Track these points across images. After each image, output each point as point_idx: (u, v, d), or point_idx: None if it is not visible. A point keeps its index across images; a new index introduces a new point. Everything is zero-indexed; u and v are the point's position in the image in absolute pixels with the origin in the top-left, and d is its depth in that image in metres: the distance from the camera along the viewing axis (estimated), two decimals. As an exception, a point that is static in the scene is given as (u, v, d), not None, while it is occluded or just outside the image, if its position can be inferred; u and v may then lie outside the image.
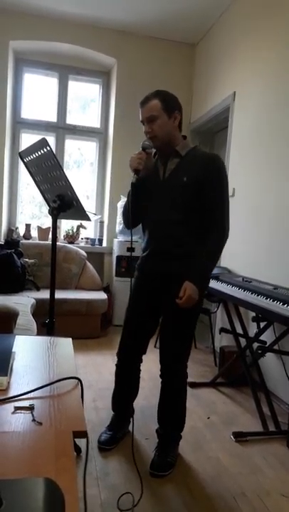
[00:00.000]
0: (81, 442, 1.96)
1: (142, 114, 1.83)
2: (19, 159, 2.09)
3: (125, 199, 2.02)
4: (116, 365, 2.10)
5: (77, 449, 1.97)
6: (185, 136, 1.92)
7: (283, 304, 2.04)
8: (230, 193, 3.58)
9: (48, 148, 1.76)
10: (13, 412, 0.95)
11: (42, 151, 1.81)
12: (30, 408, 0.98)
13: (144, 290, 1.97)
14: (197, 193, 1.79)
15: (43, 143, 1.77)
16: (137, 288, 2.00)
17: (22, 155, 1.98)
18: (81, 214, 1.89)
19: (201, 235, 1.83)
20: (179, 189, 1.81)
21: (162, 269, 1.87)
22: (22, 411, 0.96)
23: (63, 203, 1.85)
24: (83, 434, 0.91)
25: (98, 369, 3.05)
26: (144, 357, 2.11)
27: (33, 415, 0.95)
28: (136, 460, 1.92)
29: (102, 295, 3.97)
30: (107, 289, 4.34)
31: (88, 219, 1.93)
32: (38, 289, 3.84)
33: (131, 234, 1.90)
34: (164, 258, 1.87)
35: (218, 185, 1.82)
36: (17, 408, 0.97)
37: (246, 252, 3.18)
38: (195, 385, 2.85)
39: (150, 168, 1.91)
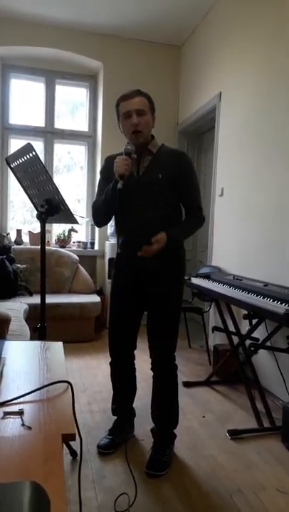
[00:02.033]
0: (78, 446, 1.96)
1: (130, 106, 1.83)
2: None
3: None
4: (110, 363, 2.12)
5: (73, 453, 1.98)
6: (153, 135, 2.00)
7: (274, 301, 2.05)
8: (219, 192, 3.64)
9: (34, 153, 1.77)
10: (2, 418, 0.96)
11: (28, 156, 1.81)
12: (20, 413, 0.98)
13: (124, 287, 2.00)
14: (172, 188, 1.88)
15: (29, 148, 1.77)
16: (117, 285, 2.03)
17: (9, 160, 1.98)
18: (69, 217, 1.90)
19: None
20: (155, 186, 1.87)
21: (141, 266, 1.91)
22: (11, 416, 0.97)
23: (51, 207, 1.85)
24: (73, 437, 0.91)
25: (93, 372, 3.05)
26: (136, 357, 2.14)
27: (22, 420, 0.95)
28: (131, 461, 1.93)
29: (95, 298, 3.97)
30: (100, 292, 4.34)
31: (76, 222, 1.94)
32: (30, 294, 3.83)
33: (118, 238, 1.91)
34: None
35: (192, 178, 1.96)
36: (6, 413, 0.98)
37: (236, 250, 3.21)
38: (190, 385, 2.86)
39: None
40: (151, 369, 2.00)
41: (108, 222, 2.08)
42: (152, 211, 1.87)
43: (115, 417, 2.17)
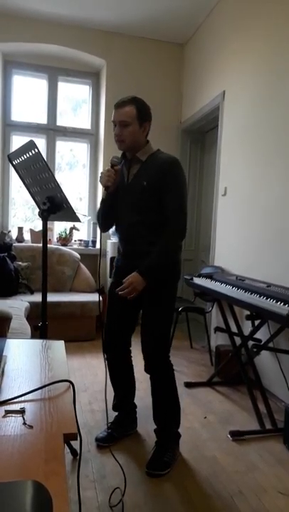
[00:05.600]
0: (78, 445, 1.95)
1: (115, 117, 1.90)
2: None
3: None
4: (106, 358, 2.14)
5: (74, 452, 1.97)
6: (148, 141, 2.00)
7: (277, 302, 2.04)
8: (222, 191, 3.61)
9: (36, 150, 1.75)
10: (3, 416, 0.94)
11: (30, 153, 1.80)
12: (21, 412, 0.97)
13: (119, 286, 2.03)
14: (156, 195, 1.88)
15: (31, 145, 1.76)
16: (114, 286, 2.08)
17: (11, 157, 1.97)
18: (71, 215, 1.88)
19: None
20: (140, 193, 1.91)
21: (133, 268, 1.92)
22: (13, 415, 0.95)
23: (53, 205, 1.84)
24: (74, 437, 0.90)
25: (94, 371, 3.03)
26: (138, 359, 2.13)
27: (24, 419, 0.94)
28: (132, 461, 1.92)
29: (96, 297, 3.95)
30: (101, 291, 4.32)
31: (78, 220, 1.93)
32: (31, 292, 3.82)
33: (111, 240, 1.89)
34: (133, 257, 1.97)
35: (174, 187, 1.88)
36: (8, 412, 0.96)
37: (239, 250, 3.19)
38: (191, 385, 2.84)
39: (118, 179, 2.00)
40: (145, 370, 1.99)
41: (108, 227, 2.14)
42: (135, 216, 1.93)
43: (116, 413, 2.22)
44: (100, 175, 1.96)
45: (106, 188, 1.90)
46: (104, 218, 2.06)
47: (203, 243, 4.59)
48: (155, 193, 1.88)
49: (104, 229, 2.14)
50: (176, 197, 1.88)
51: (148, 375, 2.01)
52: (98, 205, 4.46)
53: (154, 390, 2.02)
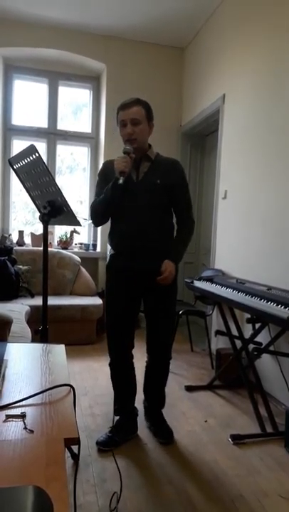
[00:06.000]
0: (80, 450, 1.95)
1: (126, 116, 1.93)
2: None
3: None
4: (109, 364, 2.16)
5: (75, 456, 1.96)
6: (149, 144, 2.10)
7: (277, 305, 2.03)
8: (222, 194, 3.62)
9: (37, 155, 1.76)
10: (4, 421, 0.94)
11: (31, 158, 1.81)
12: (22, 416, 0.97)
13: (121, 287, 2.07)
14: (167, 194, 2.02)
15: (32, 149, 1.77)
16: (114, 286, 2.10)
17: (12, 162, 1.98)
18: (72, 219, 1.89)
19: (169, 233, 2.08)
20: (153, 190, 1.99)
21: (138, 266, 1.99)
22: (13, 419, 0.95)
23: (54, 208, 1.85)
24: (75, 441, 0.90)
25: (94, 375, 3.03)
26: (137, 358, 2.20)
27: (24, 423, 0.94)
28: (133, 465, 1.91)
29: (97, 300, 3.95)
30: (102, 294, 4.32)
31: (79, 224, 1.94)
32: (32, 295, 3.82)
33: (112, 239, 1.90)
34: (139, 255, 1.99)
35: (185, 185, 2.11)
36: (8, 416, 0.97)
37: (239, 253, 3.19)
38: (192, 389, 2.84)
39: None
40: (149, 361, 2.14)
41: (106, 221, 2.14)
42: (146, 214, 1.98)
43: (117, 417, 2.21)
44: (115, 161, 1.93)
45: (121, 173, 1.87)
46: (105, 211, 2.06)
47: (203, 246, 4.60)
48: (165, 191, 2.00)
49: (100, 223, 2.14)
50: (188, 196, 2.11)
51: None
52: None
53: (153, 379, 2.17)
